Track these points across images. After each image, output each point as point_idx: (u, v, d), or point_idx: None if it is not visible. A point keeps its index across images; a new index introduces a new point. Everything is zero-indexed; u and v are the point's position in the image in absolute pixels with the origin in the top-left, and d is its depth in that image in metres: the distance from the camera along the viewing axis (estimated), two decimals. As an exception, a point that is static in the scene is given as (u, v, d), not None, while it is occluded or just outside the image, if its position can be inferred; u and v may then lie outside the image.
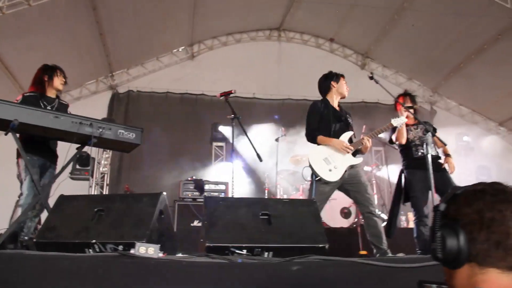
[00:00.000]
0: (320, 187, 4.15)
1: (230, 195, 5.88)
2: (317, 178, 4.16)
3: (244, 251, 2.56)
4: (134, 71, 12.06)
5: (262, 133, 9.98)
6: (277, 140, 8.04)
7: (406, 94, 5.25)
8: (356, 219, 7.06)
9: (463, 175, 11.84)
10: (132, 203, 3.04)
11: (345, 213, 7.11)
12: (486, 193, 1.27)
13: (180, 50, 12.51)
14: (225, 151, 10.15)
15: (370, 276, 2.20)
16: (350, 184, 4.24)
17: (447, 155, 5.18)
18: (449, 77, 12.46)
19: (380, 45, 12.44)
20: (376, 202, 7.85)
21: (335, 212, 6.79)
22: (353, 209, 7.11)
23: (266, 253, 2.59)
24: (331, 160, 4.18)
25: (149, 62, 12.13)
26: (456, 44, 11.16)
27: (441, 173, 4.81)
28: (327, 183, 4.15)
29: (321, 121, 4.42)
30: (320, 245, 2.56)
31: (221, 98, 5.13)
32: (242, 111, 11.68)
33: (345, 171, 4.19)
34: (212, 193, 6.17)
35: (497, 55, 10.82)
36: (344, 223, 7.08)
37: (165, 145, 10.66)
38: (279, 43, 12.96)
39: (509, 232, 1.21)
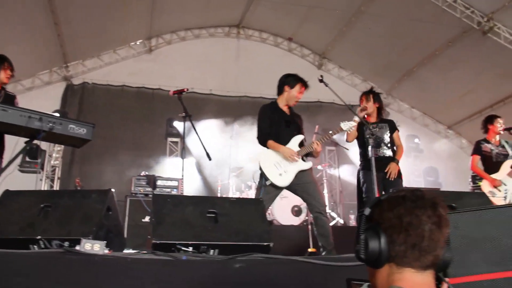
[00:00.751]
0: (269, 189, 4.24)
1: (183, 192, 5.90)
2: (267, 182, 4.22)
3: (190, 249, 2.61)
4: (90, 62, 11.81)
5: (217, 130, 10.03)
6: (231, 137, 8.08)
7: (370, 92, 5.27)
8: (306, 217, 7.20)
9: (412, 175, 12.36)
10: (80, 199, 3.03)
11: (296, 211, 7.25)
12: (407, 199, 1.38)
13: (137, 43, 12.33)
14: (179, 147, 10.12)
15: (311, 274, 2.29)
16: (298, 184, 4.33)
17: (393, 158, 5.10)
18: (403, 80, 12.85)
19: (337, 47, 12.68)
20: (327, 201, 8.06)
21: (286, 210, 6.91)
22: (304, 207, 7.25)
23: (212, 251, 2.65)
24: (281, 164, 4.26)
25: (106, 54, 11.90)
26: (410, 49, 11.52)
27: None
28: (281, 187, 4.26)
29: (271, 125, 4.46)
30: (265, 244, 2.64)
31: (174, 95, 5.07)
32: (198, 107, 11.77)
33: (295, 175, 4.28)
34: (164, 189, 6.16)
35: (448, 61, 11.26)
36: (295, 220, 7.22)
37: (119, 139, 10.53)
38: (238, 40, 12.99)
39: (424, 235, 1.33)
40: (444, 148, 13.09)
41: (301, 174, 4.32)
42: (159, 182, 6.05)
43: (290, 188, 4.44)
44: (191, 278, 2.16)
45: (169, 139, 10.16)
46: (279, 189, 4.32)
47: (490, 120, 6.07)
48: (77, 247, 2.46)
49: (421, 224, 1.34)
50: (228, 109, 11.65)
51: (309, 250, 5.25)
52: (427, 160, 12.26)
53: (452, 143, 13.71)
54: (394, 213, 1.37)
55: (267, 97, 10.02)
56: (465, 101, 12.13)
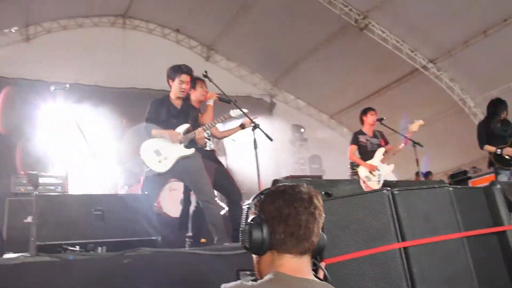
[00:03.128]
0: (151, 178, 4.25)
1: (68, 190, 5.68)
2: (147, 169, 4.25)
3: (77, 248, 2.58)
4: (-45, 46, 10.77)
5: (104, 123, 9.72)
6: (119, 130, 7.89)
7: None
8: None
9: (297, 164, 12.99)
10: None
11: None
12: (286, 192, 1.58)
13: (13, 30, 11.41)
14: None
15: (198, 264, 2.39)
16: (184, 172, 4.37)
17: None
18: (288, 72, 13.39)
19: (225, 39, 12.83)
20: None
21: (176, 202, 6.92)
22: (194, 198, 7.31)
23: (99, 248, 2.64)
24: (162, 152, 4.27)
25: (-28, 40, 10.91)
26: (294, 43, 12.04)
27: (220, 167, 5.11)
28: (157, 174, 4.25)
29: (158, 118, 4.47)
30: (153, 238, 2.68)
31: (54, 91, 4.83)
32: (83, 99, 11.26)
33: (177, 161, 4.28)
34: (48, 187, 5.87)
35: (328, 55, 11.94)
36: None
37: (-2, 135, 9.76)
38: (124, 31, 12.58)
39: (300, 225, 1.52)
40: (327, 137, 13.90)
41: (185, 162, 4.33)
42: (42, 180, 5.76)
43: (177, 177, 4.48)
44: (79, 277, 2.15)
45: (53, 134, 9.59)
46: (162, 177, 4.31)
47: (364, 112, 6.61)
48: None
49: (298, 214, 1.52)
50: (115, 101, 11.31)
51: (201, 240, 5.34)
52: (311, 148, 12.94)
53: (335, 131, 14.59)
54: (274, 205, 1.55)
55: (155, 88, 9.90)
56: (345, 93, 12.97)
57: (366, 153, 6.19)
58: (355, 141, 6.34)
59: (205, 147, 4.86)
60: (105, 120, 9.75)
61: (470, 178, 9.00)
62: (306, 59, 12.49)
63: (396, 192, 2.48)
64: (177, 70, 4.54)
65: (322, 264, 1.88)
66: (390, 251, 2.34)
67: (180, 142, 4.35)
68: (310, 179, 7.98)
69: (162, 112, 4.50)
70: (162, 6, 11.98)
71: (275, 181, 3.05)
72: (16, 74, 10.88)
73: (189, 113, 4.56)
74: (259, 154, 11.95)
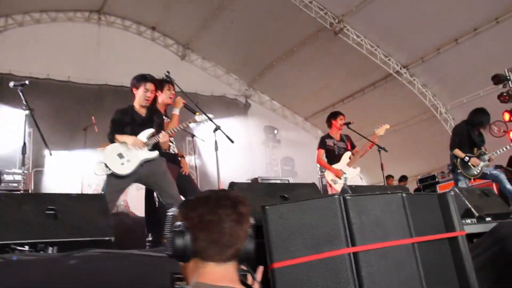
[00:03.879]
0: (113, 181, 4.20)
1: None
2: (108, 173, 4.20)
3: (27, 248, 2.53)
4: None
5: (73, 120, 9.63)
6: (85, 129, 7.79)
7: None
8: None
9: (269, 165, 13.02)
10: None
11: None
12: (210, 199, 1.54)
13: (-19, 22, 11.22)
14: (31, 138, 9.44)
15: (148, 266, 2.36)
16: (148, 176, 4.34)
17: (181, 156, 5.31)
18: (263, 73, 13.44)
19: (201, 38, 12.80)
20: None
21: (143, 202, 6.87)
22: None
23: (50, 248, 2.59)
24: (125, 155, 4.23)
25: None
26: (270, 44, 12.09)
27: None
28: (119, 176, 4.21)
29: (122, 126, 4.41)
30: (106, 238, 2.65)
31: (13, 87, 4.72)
32: (56, 95, 11.09)
33: (140, 164, 4.26)
34: (11, 184, 5.76)
35: (304, 58, 12.03)
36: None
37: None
38: (99, 27, 12.45)
39: (224, 232, 1.49)
40: (301, 139, 13.97)
41: (149, 164, 4.31)
42: (5, 177, 5.63)
43: (140, 180, 4.44)
44: (23, 278, 2.11)
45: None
46: (124, 180, 4.27)
47: (333, 116, 6.62)
48: None
49: (221, 221, 1.49)
50: (87, 97, 11.20)
51: (163, 240, 5.31)
52: (285, 150, 12.99)
53: (309, 133, 14.66)
54: (197, 212, 1.51)
55: (129, 86, 9.80)
56: (320, 95, 13.07)
57: (334, 157, 6.20)
58: (322, 145, 6.36)
59: (169, 151, 4.82)
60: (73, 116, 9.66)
61: (438, 182, 9.15)
62: (282, 60, 12.55)
63: (348, 197, 2.49)
64: (141, 79, 4.47)
65: (260, 269, 1.88)
66: (340, 256, 2.34)
67: (144, 146, 4.31)
68: (279, 181, 8.05)
69: (126, 119, 4.45)
70: (138, 3, 11.91)
71: (232, 184, 3.06)
72: (-15, 67, 10.66)
73: (153, 120, 4.50)
74: (233, 154, 12.00)
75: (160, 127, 4.45)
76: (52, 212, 2.72)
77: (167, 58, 13.07)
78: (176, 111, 4.74)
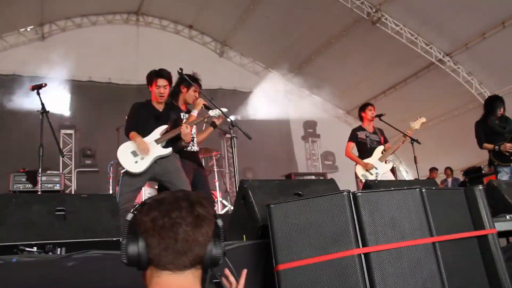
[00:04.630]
0: (128, 180, 4.18)
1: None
2: (123, 170, 4.20)
3: (35, 249, 2.53)
4: (-28, 46, 11.00)
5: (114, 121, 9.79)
6: (117, 129, 7.90)
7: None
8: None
9: (310, 160, 12.81)
10: None
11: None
12: (165, 201, 1.39)
13: (28, 29, 11.62)
14: (74, 139, 9.70)
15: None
16: (162, 174, 4.30)
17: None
18: (302, 67, 13.23)
19: (238, 34, 12.74)
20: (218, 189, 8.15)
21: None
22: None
23: (59, 249, 2.58)
24: (138, 152, 4.21)
25: (-10, 40, 11.11)
26: (307, 37, 11.88)
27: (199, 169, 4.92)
28: (133, 175, 4.19)
29: (139, 120, 4.40)
30: (114, 239, 2.61)
31: (33, 91, 4.78)
32: (97, 96, 11.35)
33: (154, 162, 4.22)
34: (47, 184, 5.90)
35: (342, 50, 11.75)
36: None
37: (13, 132, 9.90)
38: (137, 28, 12.64)
39: (177, 238, 1.34)
40: (343, 132, 13.63)
41: (163, 162, 4.26)
42: (41, 178, 5.76)
43: (155, 178, 4.42)
44: (18, 281, 2.09)
45: (62, 131, 9.68)
46: (140, 179, 4.24)
47: (362, 108, 6.42)
48: None
49: (174, 226, 1.35)
50: (128, 97, 11.37)
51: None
52: (325, 144, 12.73)
53: (351, 127, 14.30)
54: (150, 216, 1.37)
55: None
56: (361, 88, 12.73)
57: (365, 150, 5.97)
58: (353, 138, 6.15)
59: (187, 148, 4.76)
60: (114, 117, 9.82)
61: (485, 175, 8.69)
62: (320, 54, 12.32)
63: (359, 194, 2.34)
64: (153, 75, 4.45)
65: (244, 272, 1.74)
66: (348, 257, 2.20)
67: (157, 143, 4.27)
68: (314, 176, 7.87)
69: (142, 114, 4.43)
70: (175, 2, 11.96)
71: (242, 181, 2.95)
72: (32, 72, 11.01)
73: (169, 116, 4.44)
74: (272, 150, 11.81)
75: (176, 124, 4.40)
76: (62, 212, 2.71)
77: (206, 55, 13.10)
78: (194, 113, 4.66)
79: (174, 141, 4.38)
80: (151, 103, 4.49)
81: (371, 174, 5.76)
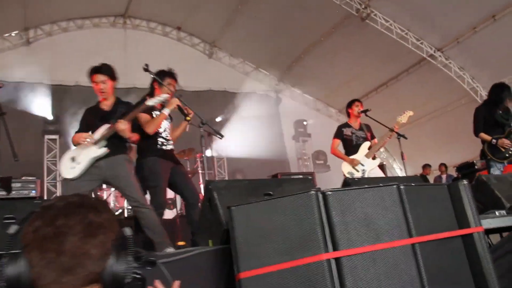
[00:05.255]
0: (73, 185, 3.98)
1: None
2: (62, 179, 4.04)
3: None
4: (-41, 51, 10.80)
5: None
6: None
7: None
8: (180, 210, 7.05)
9: (301, 160, 12.63)
10: None
11: (169, 204, 7.08)
12: (52, 208, 1.14)
13: (13, 34, 11.42)
14: (58, 145, 9.48)
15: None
16: (113, 179, 4.09)
17: None
18: (292, 67, 13.06)
19: (227, 35, 12.55)
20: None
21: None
22: (178, 199, 7.06)
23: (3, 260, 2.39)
24: (77, 158, 4.00)
25: (-27, 45, 10.91)
26: (296, 36, 11.72)
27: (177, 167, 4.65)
28: (73, 180, 4.00)
29: (87, 125, 4.20)
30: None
31: None
32: (85, 100, 11.13)
33: (90, 164, 3.98)
34: (21, 191, 5.70)
35: (332, 47, 11.58)
36: (169, 214, 7.07)
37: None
38: (125, 31, 12.44)
39: (62, 250, 1.07)
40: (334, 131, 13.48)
41: (108, 165, 4.01)
42: (15, 184, 5.58)
43: (107, 182, 4.26)
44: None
45: (46, 136, 9.48)
46: (83, 183, 4.00)
47: (349, 104, 6.25)
48: None
49: (58, 236, 1.08)
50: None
51: (178, 243, 5.08)
52: (317, 143, 12.56)
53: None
54: (32, 227, 1.10)
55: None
56: (352, 85, 12.55)
57: (351, 147, 5.79)
58: (338, 134, 5.97)
59: (161, 146, 4.56)
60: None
61: (478, 170, 8.49)
62: (310, 52, 12.15)
63: (329, 193, 2.15)
64: (90, 71, 4.27)
65: (175, 284, 1.51)
66: (316, 263, 2.01)
67: (85, 141, 4.04)
68: (301, 176, 7.68)
69: (88, 118, 4.24)
70: (162, 4, 11.76)
71: (207, 182, 2.76)
72: (18, 77, 10.82)
73: (116, 112, 4.17)
74: (263, 150, 11.59)
75: (123, 116, 4.08)
76: (11, 220, 2.52)
77: (195, 57, 12.93)
78: (166, 111, 4.45)
79: (121, 140, 4.12)
80: (98, 104, 4.27)
81: (358, 171, 5.57)
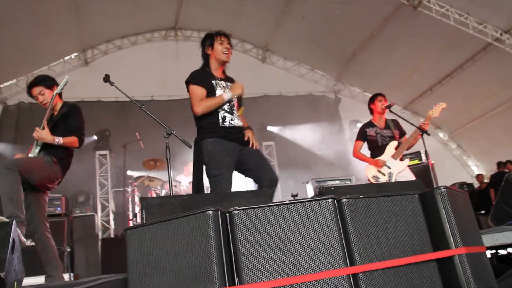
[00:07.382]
0: None
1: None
2: None
3: None
4: (24, 82, 11.43)
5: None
6: (123, 146, 7.68)
7: None
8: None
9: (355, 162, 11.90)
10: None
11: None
12: None
13: (72, 57, 11.97)
14: (109, 160, 9.64)
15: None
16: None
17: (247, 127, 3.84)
18: (348, 65, 12.45)
19: (278, 38, 12.24)
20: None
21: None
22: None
23: None
24: None
25: (40, 72, 11.48)
26: (348, 33, 11.17)
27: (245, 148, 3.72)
28: None
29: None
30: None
31: None
32: (140, 113, 11.34)
33: None
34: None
35: (386, 41, 10.87)
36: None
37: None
38: (177, 43, 12.61)
39: None
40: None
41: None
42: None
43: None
44: None
45: (97, 152, 9.68)
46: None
47: (371, 100, 5.64)
48: None
49: None
50: (173, 112, 11.30)
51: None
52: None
53: (412, 122, 13.23)
54: None
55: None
56: (413, 80, 11.79)
57: (377, 148, 5.16)
58: (361, 136, 5.34)
59: (224, 124, 3.70)
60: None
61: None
62: (365, 48, 11.51)
63: (236, 212, 1.77)
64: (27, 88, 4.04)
65: None
66: (208, 301, 1.64)
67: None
68: (339, 180, 7.12)
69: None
70: (208, 13, 11.71)
71: (142, 199, 2.45)
72: (78, 96, 11.25)
73: (60, 115, 3.99)
74: (326, 153, 11.08)
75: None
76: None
77: (249, 63, 12.75)
78: (226, 96, 3.68)
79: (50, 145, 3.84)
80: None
81: (383, 174, 4.94)
